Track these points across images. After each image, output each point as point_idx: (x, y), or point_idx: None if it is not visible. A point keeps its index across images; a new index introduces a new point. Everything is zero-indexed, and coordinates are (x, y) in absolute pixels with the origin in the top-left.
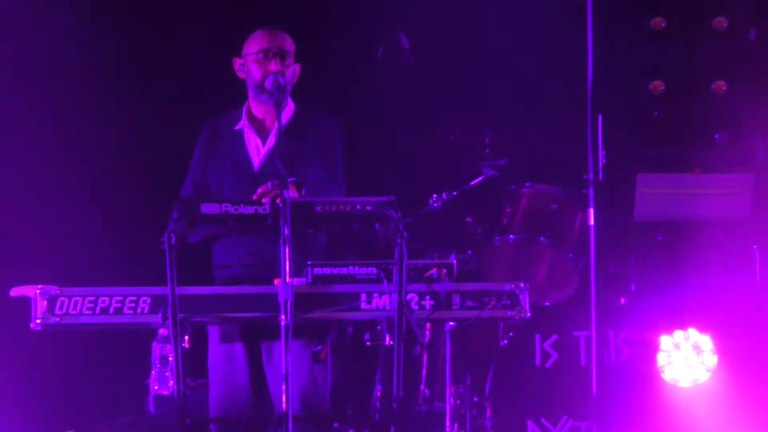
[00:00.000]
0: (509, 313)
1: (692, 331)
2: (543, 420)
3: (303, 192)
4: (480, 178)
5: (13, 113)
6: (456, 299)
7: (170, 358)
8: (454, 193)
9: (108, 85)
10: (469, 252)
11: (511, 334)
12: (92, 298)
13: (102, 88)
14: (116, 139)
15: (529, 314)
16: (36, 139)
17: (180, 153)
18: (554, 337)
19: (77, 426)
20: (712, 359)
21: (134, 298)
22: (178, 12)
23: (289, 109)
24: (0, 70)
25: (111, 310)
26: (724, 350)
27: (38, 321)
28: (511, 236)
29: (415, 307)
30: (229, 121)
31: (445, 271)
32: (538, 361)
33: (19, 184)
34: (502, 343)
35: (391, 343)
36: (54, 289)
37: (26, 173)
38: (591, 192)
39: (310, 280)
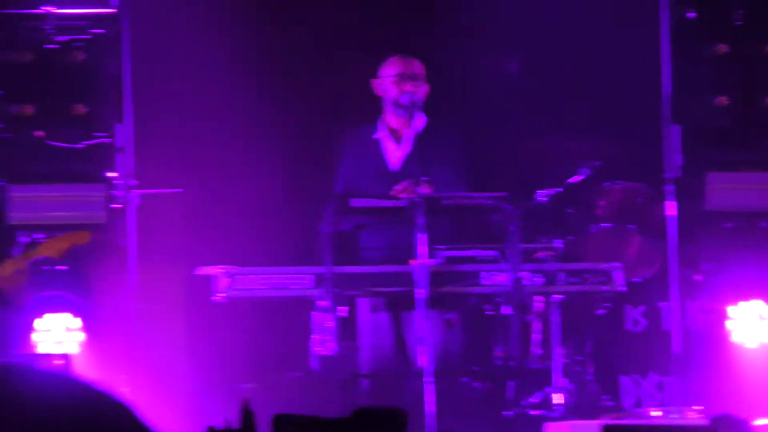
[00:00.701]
0: (605, 287)
1: (756, 302)
2: (634, 375)
3: (433, 189)
4: (579, 177)
5: (197, 110)
6: (561, 276)
7: (328, 325)
8: (558, 189)
9: (275, 95)
10: (571, 238)
11: (607, 304)
12: (265, 276)
13: (269, 97)
14: (283, 139)
15: (622, 288)
16: (219, 137)
17: (332, 155)
18: (642, 307)
19: (256, 379)
20: None
21: (299, 275)
22: (332, 39)
23: (422, 120)
24: (182, 73)
25: (280, 286)
26: None
27: (221, 295)
28: (605, 224)
29: (527, 282)
30: (369, 132)
31: (551, 253)
32: (629, 327)
33: (200, 174)
34: (599, 312)
35: (508, 312)
36: (233, 268)
37: (207, 167)
38: (670, 188)
39: (440, 260)
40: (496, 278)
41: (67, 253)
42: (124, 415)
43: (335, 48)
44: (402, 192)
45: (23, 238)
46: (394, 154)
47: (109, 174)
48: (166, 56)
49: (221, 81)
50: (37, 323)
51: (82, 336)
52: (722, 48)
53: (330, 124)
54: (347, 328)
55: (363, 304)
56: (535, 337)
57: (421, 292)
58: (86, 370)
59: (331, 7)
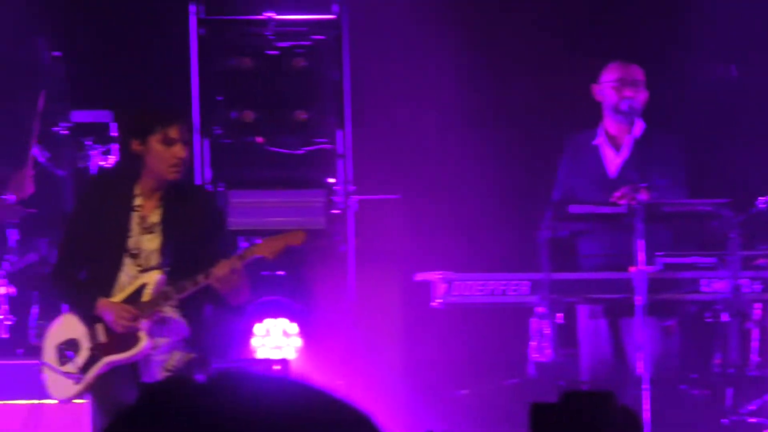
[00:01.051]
0: None
1: None
2: None
3: (652, 195)
4: None
5: (414, 115)
6: None
7: (546, 332)
8: None
9: (493, 100)
10: None
11: None
12: (482, 282)
13: (487, 101)
14: (501, 144)
15: None
16: (436, 142)
17: (550, 160)
18: None
19: (472, 386)
20: None
21: (516, 282)
22: (553, 43)
23: (640, 127)
24: (400, 78)
25: (497, 292)
26: None
27: (438, 301)
28: None
29: (746, 290)
30: (588, 138)
31: None
32: None
33: (417, 180)
34: None
35: (727, 320)
36: (451, 275)
37: (425, 173)
38: None
39: (659, 267)
40: (715, 285)
41: (281, 254)
42: (364, 425)
43: (556, 52)
44: (621, 198)
45: (243, 244)
46: (613, 160)
47: (329, 180)
48: (384, 61)
49: (439, 85)
50: (257, 328)
51: (299, 341)
52: None
53: (549, 129)
54: (565, 334)
55: (582, 311)
56: (754, 344)
57: (639, 299)
58: (303, 376)
59: (549, 11)
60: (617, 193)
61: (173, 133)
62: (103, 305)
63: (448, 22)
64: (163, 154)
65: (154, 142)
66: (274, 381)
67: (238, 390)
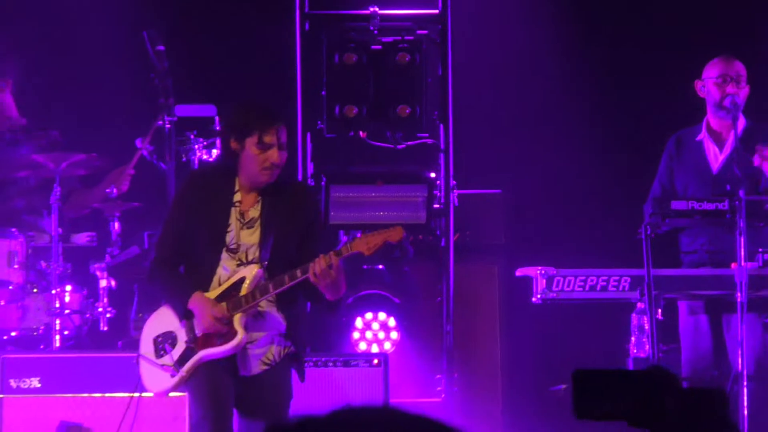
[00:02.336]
0: None
1: None
2: None
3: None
4: None
5: (515, 110)
6: None
7: (646, 327)
8: None
9: (595, 95)
10: None
11: None
12: (582, 278)
13: (589, 97)
14: (603, 139)
15: None
16: (537, 137)
17: (652, 156)
18: None
19: (569, 382)
20: None
21: (617, 277)
22: (657, 39)
23: (742, 123)
24: (501, 73)
25: (597, 288)
26: None
27: (538, 296)
28: None
29: None
30: (691, 134)
31: None
32: None
33: (517, 175)
34: None
35: None
36: (551, 270)
37: (525, 168)
38: None
39: (760, 264)
40: None
41: (379, 250)
42: None
43: (661, 48)
44: (722, 195)
45: (344, 238)
46: (716, 156)
47: (431, 174)
48: (486, 55)
49: (542, 80)
50: (358, 322)
51: (397, 335)
52: None
53: (652, 125)
54: (665, 330)
55: (683, 307)
56: None
57: (740, 296)
58: (400, 373)
59: (653, 8)
60: (718, 190)
61: (269, 137)
62: (194, 300)
63: (553, 17)
64: (257, 157)
65: (250, 144)
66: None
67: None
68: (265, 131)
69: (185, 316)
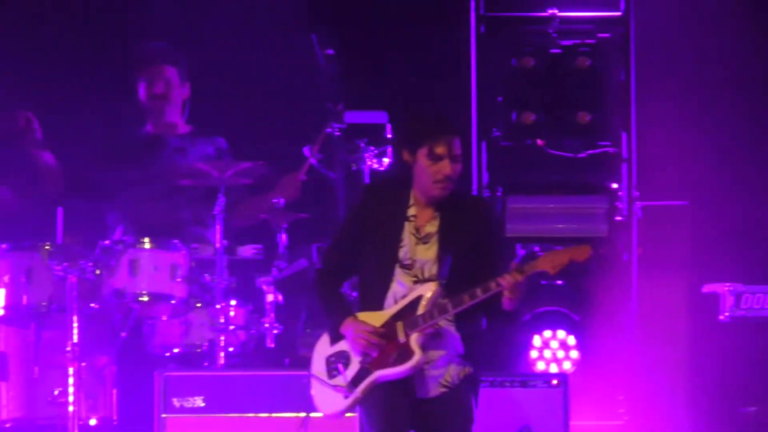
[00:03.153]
0: None
1: None
2: None
3: None
4: None
5: (700, 117)
6: None
7: None
8: None
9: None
10: None
11: None
12: None
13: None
14: None
15: None
16: (724, 146)
17: None
18: None
19: (759, 403)
20: None
21: None
22: None
23: None
24: (686, 78)
25: None
26: None
27: (726, 314)
28: None
29: None
30: None
31: None
32: None
33: (704, 187)
34: None
35: None
36: (740, 287)
37: (712, 180)
38: None
39: None
40: None
41: (564, 269)
42: None
43: None
44: None
45: (521, 251)
46: None
47: (613, 185)
48: (670, 59)
49: (730, 86)
50: (536, 340)
51: (577, 355)
52: None
53: None
54: None
55: None
56: None
57: None
58: (581, 393)
59: None
60: None
61: (440, 149)
62: (346, 325)
63: (736, 22)
64: (428, 169)
65: (421, 156)
66: None
67: None
68: (437, 143)
69: (336, 339)
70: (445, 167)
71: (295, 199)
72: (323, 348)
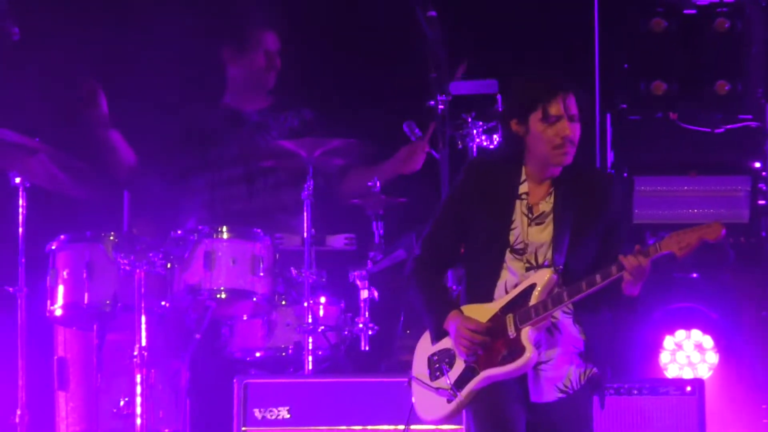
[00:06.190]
0: None
1: None
2: None
3: None
4: None
5: None
6: None
7: None
8: None
9: None
10: None
11: None
12: None
13: None
14: None
15: None
16: None
17: None
18: None
19: None
20: None
21: None
22: None
23: None
24: None
25: None
26: None
27: None
28: None
29: None
30: None
31: None
32: None
33: None
34: None
35: None
36: None
37: None
38: None
39: None
40: None
41: (694, 251)
42: None
43: None
44: None
45: (650, 240)
46: None
47: (755, 164)
48: None
49: None
50: (667, 341)
51: (715, 358)
52: None
53: None
54: None
55: None
56: None
57: None
58: (719, 402)
59: None
60: None
61: (555, 108)
62: (450, 321)
63: None
64: (544, 134)
65: (534, 121)
66: None
67: None
68: (550, 102)
69: (439, 337)
70: (564, 128)
71: (414, 172)
72: (425, 347)
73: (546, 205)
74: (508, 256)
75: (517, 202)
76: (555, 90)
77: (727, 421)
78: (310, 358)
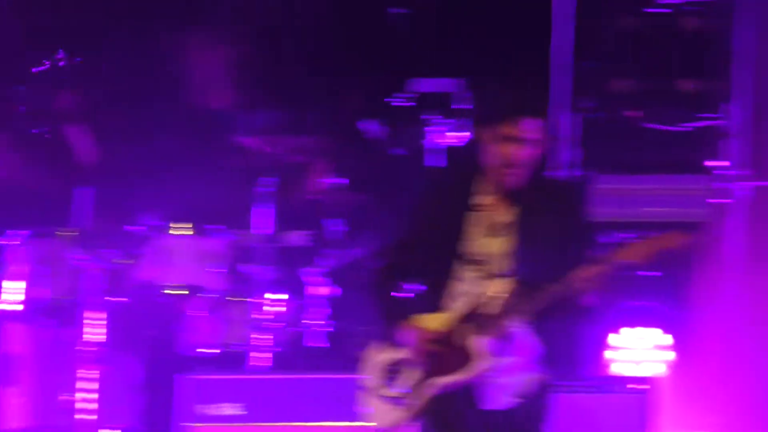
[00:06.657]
0: None
1: None
2: None
3: None
4: None
5: None
6: None
7: None
8: None
9: None
10: None
11: None
12: None
13: None
14: None
15: None
16: None
17: None
18: None
19: None
20: None
21: None
22: None
23: None
24: None
25: None
26: None
27: None
28: None
29: None
30: None
31: None
32: None
33: None
34: None
35: None
36: None
37: None
38: None
39: None
40: None
41: (656, 259)
42: None
43: None
44: None
45: (607, 238)
46: None
47: (712, 163)
48: None
49: None
50: (612, 339)
51: (671, 356)
52: None
53: None
54: None
55: None
56: None
57: None
58: (670, 399)
59: None
60: None
61: (509, 129)
62: (406, 329)
63: None
64: (492, 149)
65: (488, 135)
66: None
67: None
68: (505, 122)
69: (394, 346)
70: (510, 152)
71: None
72: (378, 355)
73: (504, 217)
74: (463, 266)
75: (474, 212)
76: (515, 111)
77: (679, 422)
78: (264, 355)
